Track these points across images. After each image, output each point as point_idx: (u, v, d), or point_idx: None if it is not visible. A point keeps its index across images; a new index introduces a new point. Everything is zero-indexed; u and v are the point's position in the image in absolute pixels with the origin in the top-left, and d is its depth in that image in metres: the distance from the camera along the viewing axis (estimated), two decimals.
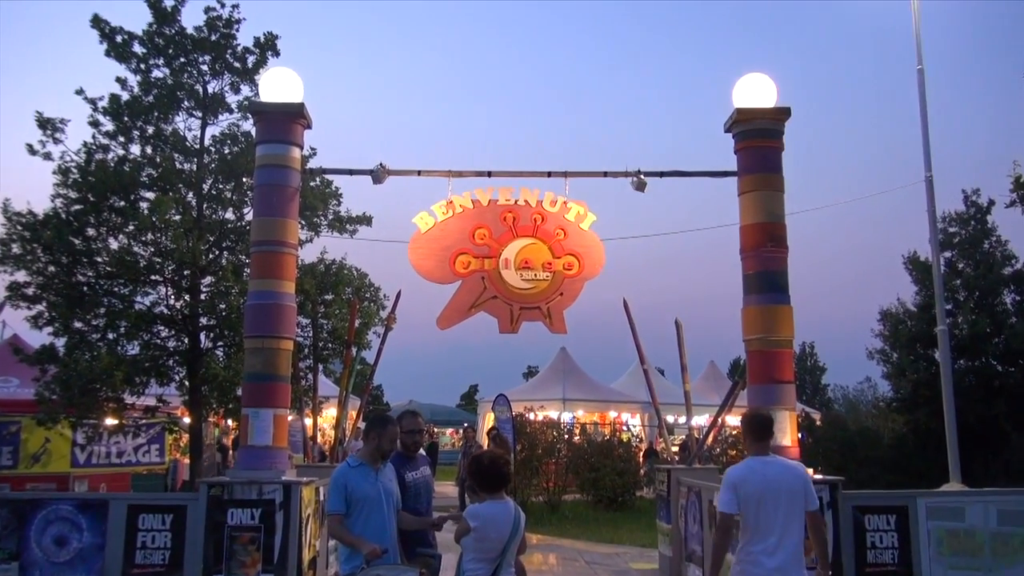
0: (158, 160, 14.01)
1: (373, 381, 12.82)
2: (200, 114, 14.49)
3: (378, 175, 9.61)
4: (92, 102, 14.01)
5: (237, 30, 14.47)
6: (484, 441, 21.74)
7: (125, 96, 14.15)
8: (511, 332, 9.83)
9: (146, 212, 13.47)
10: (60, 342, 13.64)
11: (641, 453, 22.99)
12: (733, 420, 13.68)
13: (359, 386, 17.49)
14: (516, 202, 10.11)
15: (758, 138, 9.31)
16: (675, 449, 20.38)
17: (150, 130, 14.30)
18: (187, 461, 16.91)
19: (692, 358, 11.37)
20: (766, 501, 5.05)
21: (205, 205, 14.32)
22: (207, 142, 14.43)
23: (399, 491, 5.42)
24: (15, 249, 13.44)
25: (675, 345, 11.10)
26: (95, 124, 14.09)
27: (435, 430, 34.68)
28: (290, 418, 8.97)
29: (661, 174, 9.83)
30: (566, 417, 25.19)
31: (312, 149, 14.86)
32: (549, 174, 9.96)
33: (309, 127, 9.60)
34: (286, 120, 9.22)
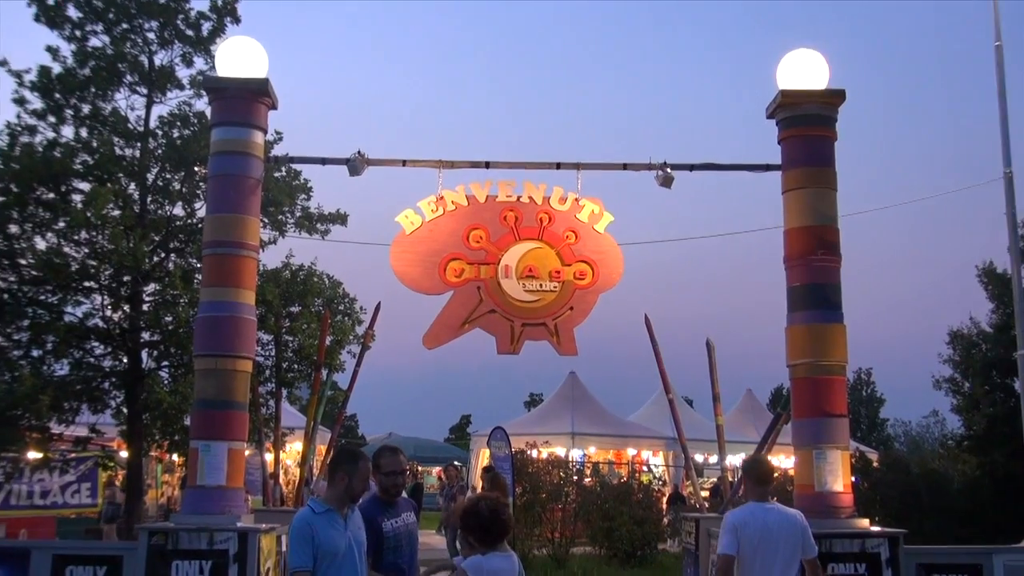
0: (95, 145, 14.03)
1: (346, 410, 12.80)
2: (145, 91, 14.54)
3: (355, 165, 9.63)
4: (17, 75, 14.03)
5: None
6: (477, 483, 21.68)
7: (57, 69, 14.19)
8: (511, 353, 9.82)
9: (79, 206, 13.46)
10: None
11: (664, 498, 22.94)
12: (776, 460, 13.68)
13: (330, 416, 17.43)
14: (519, 198, 10.12)
15: (806, 125, 9.35)
16: (705, 494, 20.29)
17: (85, 109, 14.34)
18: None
19: (726, 386, 11.38)
20: (765, 547, 5.71)
21: (150, 198, 14.34)
22: (153, 124, 14.48)
23: (367, 542, 5.36)
24: None
25: (706, 370, 11.08)
26: (20, 102, 14.11)
27: (419, 469, 34.61)
28: (247, 453, 8.96)
29: (691, 167, 9.85)
30: (575, 455, 25.15)
31: (277, 133, 14.92)
32: (558, 165, 9.98)
33: (274, 107, 9.63)
34: (247, 99, 9.24)
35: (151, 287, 14.32)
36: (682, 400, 30.45)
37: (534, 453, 21.52)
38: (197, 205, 14.42)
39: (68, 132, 14.28)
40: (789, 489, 10.35)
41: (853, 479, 9.59)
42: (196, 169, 14.00)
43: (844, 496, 8.68)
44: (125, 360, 14.24)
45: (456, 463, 19.72)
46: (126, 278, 13.94)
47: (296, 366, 15.00)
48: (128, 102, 14.57)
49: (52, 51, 14.29)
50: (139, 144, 14.34)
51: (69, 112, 14.26)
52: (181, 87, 14.63)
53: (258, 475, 14.65)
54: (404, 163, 9.91)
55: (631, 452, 27.55)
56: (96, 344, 14.29)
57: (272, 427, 13.53)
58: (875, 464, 22.85)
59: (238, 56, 9.35)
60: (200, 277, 10.21)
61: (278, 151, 14.03)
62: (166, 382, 14.59)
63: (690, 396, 42.84)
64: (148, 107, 14.56)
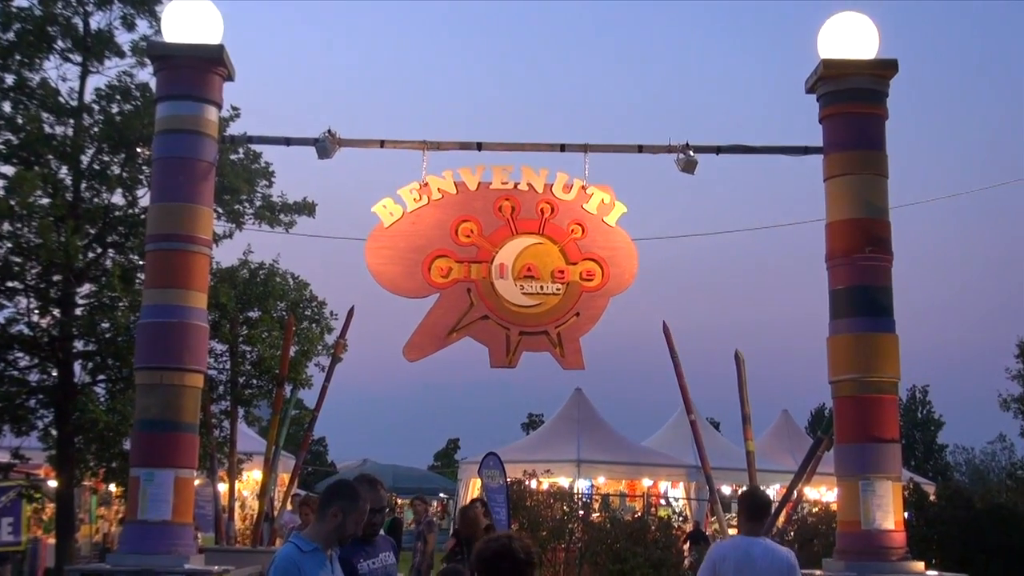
0: (20, 121, 14.01)
1: (314, 432, 12.82)
2: (79, 59, 14.52)
3: (325, 146, 9.64)
4: None
5: None
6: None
7: None
8: (506, 366, 9.82)
9: (1, 193, 13.46)
10: None
11: (685, 537, 22.94)
12: (815, 493, 13.70)
13: (294, 439, 17.42)
14: (516, 186, 10.13)
15: (852, 101, 9.38)
16: (733, 531, 20.26)
17: (9, 80, 14.31)
18: (52, 541, 16.82)
19: (758, 406, 11.40)
20: None
21: (84, 184, 14.32)
22: (88, 97, 14.46)
23: None
24: None
25: (734, 387, 11.11)
26: None
27: (398, 502, 34.56)
28: (197, 483, 8.97)
29: (717, 150, 9.87)
30: (582, 486, 25.11)
31: (234, 109, 14.90)
32: (562, 147, 9.99)
33: (230, 79, 9.63)
34: (199, 68, 9.25)
35: (85, 288, 14.30)
36: (706, 422, 30.44)
37: (533, 484, 21.50)
38: (140, 192, 14.41)
39: None
40: (833, 527, 10.37)
41: (906, 515, 9.61)
42: (139, 150, 13.96)
43: (895, 535, 8.69)
44: (54, 373, 14.20)
45: (423, 497, 19.65)
46: (56, 277, 13.92)
47: (255, 381, 14.99)
48: (59, 72, 14.55)
49: None
50: (72, 121, 14.32)
51: None
52: (121, 54, 14.61)
53: (210, 508, 14.63)
54: (382, 144, 9.92)
55: (646, 483, 27.50)
56: (20, 355, 14.26)
57: (226, 452, 13.53)
58: (932, 498, 22.89)
59: (188, 19, 9.36)
60: (143, 276, 10.22)
61: (235, 129, 14.03)
62: (102, 399, 14.56)
63: (716, 418, 42.91)
64: (83, 78, 14.54)
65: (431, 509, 20.71)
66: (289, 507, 14.39)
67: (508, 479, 19.43)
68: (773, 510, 11.75)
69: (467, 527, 8.74)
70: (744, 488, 6.87)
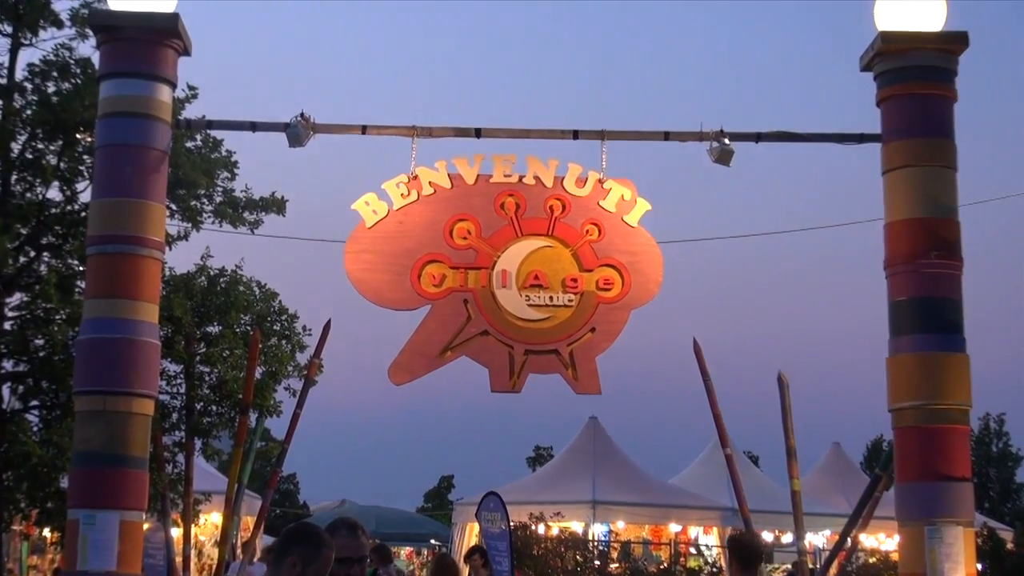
0: None
1: (283, 468, 12.80)
2: (8, 28, 14.54)
3: (297, 132, 9.63)
4: None
5: None
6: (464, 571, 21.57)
7: None
8: (509, 391, 9.78)
9: None
10: None
11: None
12: (873, 540, 13.60)
13: (260, 476, 17.34)
14: (521, 179, 10.11)
15: (915, 80, 9.36)
16: None
17: None
18: None
19: (804, 437, 11.37)
20: None
21: (15, 177, 14.33)
22: (20, 74, 14.48)
23: None
24: None
25: (776, 416, 11.08)
26: None
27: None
28: (147, 527, 8.95)
29: (757, 137, 9.85)
30: (598, 531, 25.07)
31: (191, 89, 14.90)
32: (575, 134, 9.97)
33: (186, 53, 9.62)
34: (150, 41, 9.24)
35: (16, 298, 14.29)
36: (744, 457, 30.36)
37: (541, 529, 21.49)
38: (80, 186, 14.41)
39: None
40: None
41: (979, 566, 9.58)
42: (79, 137, 13.99)
43: None
44: None
45: (383, 545, 19.42)
46: None
47: (214, 408, 14.94)
48: None
49: None
50: (0, 102, 14.33)
51: None
52: (59, 24, 14.61)
53: (161, 557, 14.58)
54: (364, 129, 9.91)
55: (674, 528, 27.43)
56: None
57: (181, 491, 13.49)
58: (1009, 546, 22.87)
59: None
60: (83, 285, 10.21)
61: (192, 112, 14.03)
62: (35, 429, 14.54)
63: (755, 452, 42.73)
64: (13, 52, 14.56)
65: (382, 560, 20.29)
66: (257, 557, 14.37)
67: (511, 523, 19.38)
68: (824, 559, 11.71)
69: None
70: (735, 532, 7.10)
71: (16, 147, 14.32)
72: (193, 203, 14.99)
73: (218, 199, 15.25)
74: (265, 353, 14.79)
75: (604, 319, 9.91)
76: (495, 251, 9.96)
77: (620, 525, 26.48)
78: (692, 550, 26.54)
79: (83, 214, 13.46)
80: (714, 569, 24.60)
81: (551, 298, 9.92)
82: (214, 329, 15.23)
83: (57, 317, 13.76)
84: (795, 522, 11.36)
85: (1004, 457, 59.58)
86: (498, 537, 19.07)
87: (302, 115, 9.71)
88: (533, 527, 21.17)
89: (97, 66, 9.95)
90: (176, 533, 13.60)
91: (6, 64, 14.54)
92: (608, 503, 26.07)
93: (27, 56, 14.58)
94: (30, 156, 14.36)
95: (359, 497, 45.71)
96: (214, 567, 11.97)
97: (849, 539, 11.37)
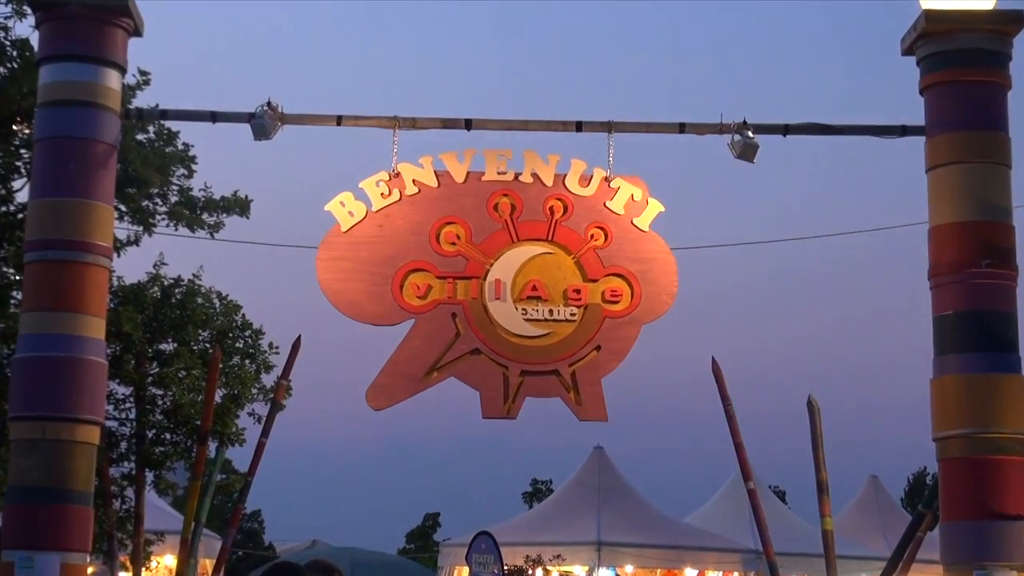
0: None
1: (247, 504, 12.77)
2: None
3: (263, 123, 9.61)
4: None
5: None
6: None
7: None
8: (503, 417, 9.76)
9: None
10: None
11: None
12: None
13: (220, 514, 17.21)
14: (517, 177, 10.09)
15: (964, 66, 9.34)
16: None
17: None
18: None
19: (837, 470, 11.37)
20: None
21: None
22: None
23: None
24: None
25: (806, 446, 11.07)
26: None
27: None
28: (91, 571, 8.90)
29: (785, 129, 9.82)
30: (604, 575, 25.05)
31: (143, 75, 14.91)
32: (579, 126, 9.94)
33: (138, 33, 9.58)
34: (96, 20, 9.21)
35: None
36: (769, 492, 30.37)
37: (539, 573, 21.47)
38: (16, 184, 14.40)
39: None
40: None
41: None
42: (15, 128, 13.97)
43: None
44: None
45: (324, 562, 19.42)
46: None
47: (169, 436, 14.93)
48: None
49: None
50: None
51: None
52: None
53: None
54: (339, 120, 9.90)
55: (690, 573, 27.46)
56: None
57: (130, 531, 13.44)
58: None
59: None
60: (19, 296, 10.19)
61: (144, 101, 14.03)
62: None
63: (781, 486, 42.77)
64: None
65: None
66: None
67: (506, 567, 19.37)
68: None
69: None
70: None
71: None
72: (145, 204, 14.99)
73: (173, 199, 15.24)
74: (226, 374, 14.77)
75: (611, 336, 9.91)
76: (487, 259, 9.96)
77: (628, 569, 26.47)
78: None
79: (20, 216, 13.46)
80: None
81: (551, 312, 9.92)
82: (168, 346, 15.22)
83: None
84: (827, 566, 11.34)
85: None
86: None
87: (269, 104, 9.70)
88: (530, 571, 21.14)
89: (36, 48, 9.92)
90: None
91: None
92: (615, 544, 26.07)
93: None
94: None
95: (332, 537, 45.70)
96: None
97: None
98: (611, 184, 10.02)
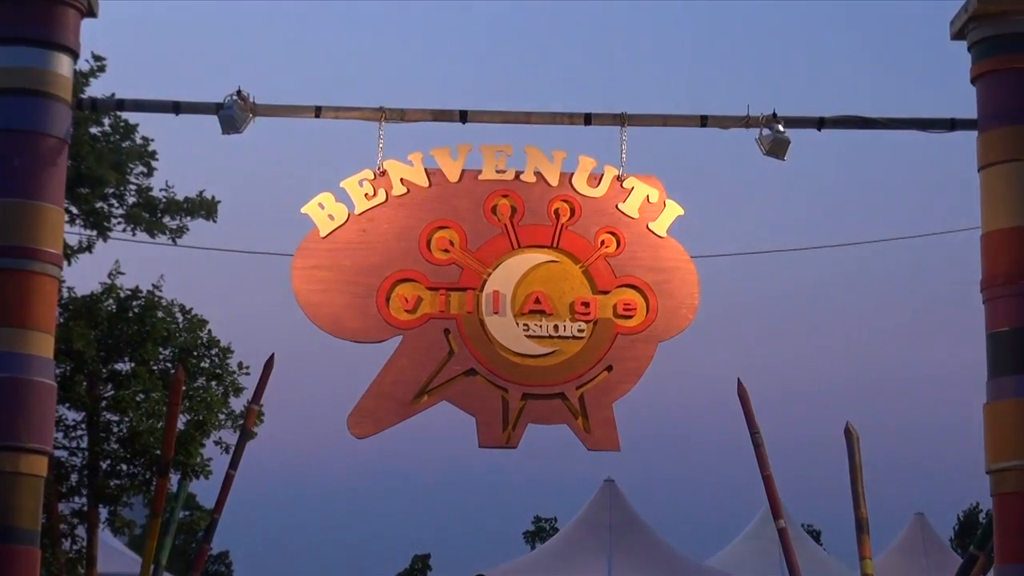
0: None
1: (213, 544, 12.87)
2: None
3: (232, 115, 9.69)
4: None
5: None
6: None
7: None
8: (503, 446, 9.83)
9: None
10: None
11: None
12: None
13: (184, 554, 17.21)
14: (518, 176, 10.17)
15: (1022, 52, 9.39)
16: None
17: None
18: None
19: (878, 506, 11.45)
20: None
21: None
22: None
23: None
24: None
25: (844, 479, 11.16)
26: None
27: None
28: None
29: (820, 123, 9.91)
30: None
31: (97, 60, 15.05)
32: (588, 119, 10.03)
33: (91, 14, 9.69)
34: None
35: None
36: (802, 531, 30.42)
37: None
38: None
39: None
40: None
41: None
42: None
43: None
44: None
45: None
46: None
47: (125, 467, 15.00)
48: None
49: None
50: None
51: None
52: None
53: None
54: (318, 112, 10.00)
55: None
56: None
57: (82, 574, 13.54)
58: None
59: None
60: None
61: (98, 89, 14.14)
62: None
63: (815, 525, 42.72)
64: None
65: None
66: None
67: None
68: None
69: None
70: None
71: None
72: (99, 205, 15.06)
73: (131, 200, 15.32)
74: (190, 397, 14.87)
75: (624, 354, 9.96)
76: (484, 268, 10.03)
77: None
78: None
79: None
80: None
81: (556, 327, 9.98)
82: (125, 366, 15.30)
83: None
84: None
85: None
86: None
87: (239, 93, 9.80)
88: None
89: None
90: None
91: None
92: None
93: None
94: None
95: None
96: None
97: None
98: (624, 184, 10.08)
